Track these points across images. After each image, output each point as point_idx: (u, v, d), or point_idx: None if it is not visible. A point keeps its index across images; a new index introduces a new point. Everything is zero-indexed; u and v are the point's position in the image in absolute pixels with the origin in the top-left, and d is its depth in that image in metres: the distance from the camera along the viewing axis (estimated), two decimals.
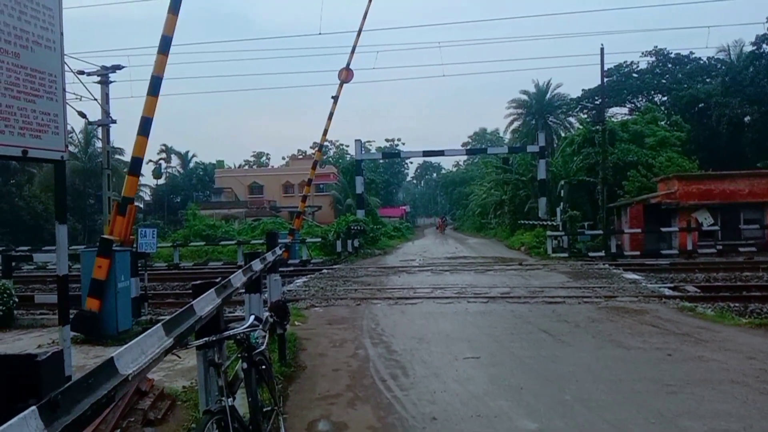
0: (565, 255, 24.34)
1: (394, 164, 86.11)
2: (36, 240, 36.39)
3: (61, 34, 3.94)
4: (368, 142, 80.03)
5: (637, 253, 23.78)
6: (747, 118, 38.36)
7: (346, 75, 27.27)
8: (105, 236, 9.71)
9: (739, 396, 5.73)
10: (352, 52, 25.63)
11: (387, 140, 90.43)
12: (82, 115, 20.40)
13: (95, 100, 19.99)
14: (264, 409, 4.25)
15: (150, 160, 70.44)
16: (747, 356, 7.26)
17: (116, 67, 20.56)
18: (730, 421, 5.06)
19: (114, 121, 21.16)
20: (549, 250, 25.59)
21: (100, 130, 22.93)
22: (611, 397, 5.83)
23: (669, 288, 14.12)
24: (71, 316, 11.09)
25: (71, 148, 47.28)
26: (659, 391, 5.95)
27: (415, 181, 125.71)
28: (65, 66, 4.29)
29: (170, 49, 10.86)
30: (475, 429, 5.08)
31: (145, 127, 10.46)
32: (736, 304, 11.94)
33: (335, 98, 26.53)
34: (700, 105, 41.91)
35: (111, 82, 20.78)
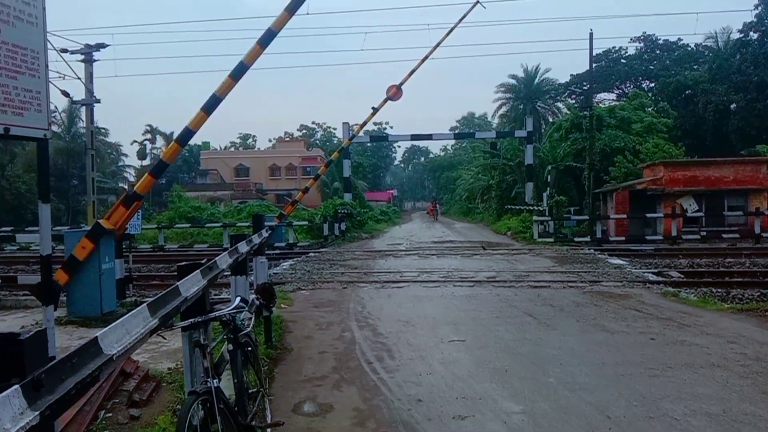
0: (551, 240, 24.48)
1: (382, 148, 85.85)
2: (19, 221, 36.00)
3: (44, 9, 3.86)
4: (356, 125, 79.70)
5: (622, 238, 23.96)
6: (733, 106, 38.61)
7: (394, 92, 26.49)
8: (100, 221, 9.57)
9: (719, 379, 5.82)
10: (410, 74, 24.55)
11: (375, 123, 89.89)
12: (66, 94, 20.16)
13: (78, 78, 19.71)
14: (250, 391, 4.26)
15: (135, 141, 69.83)
16: (728, 340, 7.37)
17: (100, 46, 20.25)
18: (710, 403, 5.14)
19: (98, 101, 20.89)
20: (535, 235, 25.72)
21: (83, 109, 22.64)
22: (594, 380, 5.90)
23: (653, 273, 14.26)
24: (36, 282, 10.90)
25: (54, 128, 46.59)
26: (642, 375, 6.02)
27: (402, 165, 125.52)
28: (48, 43, 4.21)
29: (242, 77, 10.15)
30: (460, 411, 5.12)
31: (184, 138, 10.29)
32: (719, 290, 12.09)
33: (375, 110, 26.02)
34: (687, 92, 42.10)
35: (95, 60, 20.48)
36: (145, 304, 2.69)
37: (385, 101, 25.06)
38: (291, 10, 9.95)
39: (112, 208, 10.04)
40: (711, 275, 14.26)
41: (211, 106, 10.00)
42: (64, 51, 19.45)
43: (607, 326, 8.37)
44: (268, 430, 4.46)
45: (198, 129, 10.14)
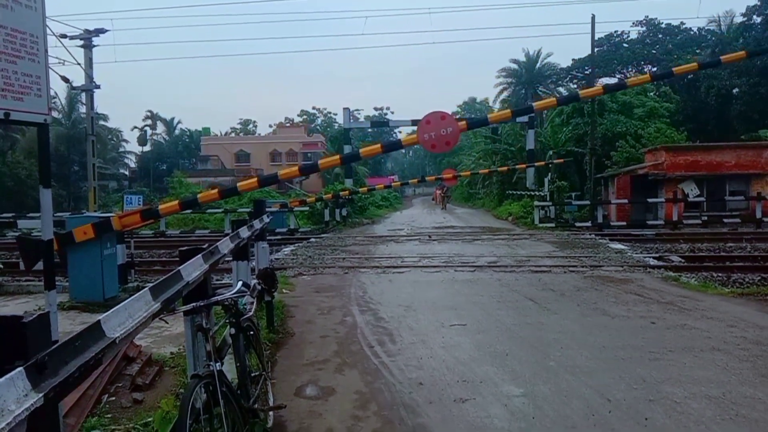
0: (552, 225, 24.48)
1: (383, 133, 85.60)
2: (20, 206, 35.98)
3: None
4: (356, 110, 79.63)
5: (624, 223, 23.96)
6: (735, 90, 38.38)
7: (449, 178, 28.76)
8: (112, 220, 9.53)
9: (719, 363, 5.85)
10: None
11: (375, 108, 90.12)
12: (65, 79, 20.11)
13: (78, 64, 19.68)
14: (252, 374, 4.29)
15: (135, 127, 69.75)
16: (728, 324, 7.39)
17: (99, 31, 20.20)
18: (710, 387, 5.17)
19: (98, 86, 20.89)
20: (536, 220, 25.72)
21: (83, 95, 22.58)
22: (595, 363, 5.93)
23: (654, 258, 14.27)
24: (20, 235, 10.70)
25: (54, 114, 46.56)
26: (642, 358, 6.05)
27: (403, 151, 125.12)
28: (47, 28, 4.19)
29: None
30: (461, 394, 5.15)
31: (225, 193, 10.30)
32: (720, 274, 12.10)
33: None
34: (689, 76, 41.83)
35: (94, 46, 20.45)
36: (147, 288, 2.70)
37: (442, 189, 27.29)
38: (385, 147, 9.85)
39: (129, 211, 10.02)
40: (712, 260, 14.27)
41: (267, 179, 9.93)
42: (64, 36, 19.42)
43: (608, 310, 8.40)
44: (271, 412, 4.50)
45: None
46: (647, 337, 6.88)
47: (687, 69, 10.55)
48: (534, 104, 10.07)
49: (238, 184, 9.77)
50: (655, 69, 48.14)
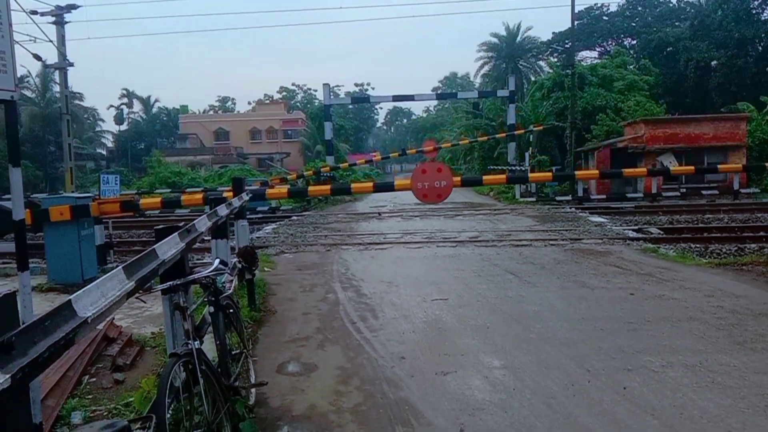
0: (533, 200, 24.65)
1: (364, 110, 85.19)
2: None
3: None
4: (337, 86, 79.02)
5: (603, 196, 24.19)
6: (714, 62, 38.63)
7: (430, 150, 28.85)
8: (91, 206, 9.37)
9: (696, 332, 5.94)
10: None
11: (356, 85, 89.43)
12: (38, 57, 19.67)
13: (50, 41, 19.23)
14: (233, 352, 4.27)
15: (111, 105, 68.54)
16: (706, 294, 7.50)
17: (71, 7, 19.71)
18: (687, 355, 5.25)
19: (71, 64, 20.43)
20: (517, 195, 25.87)
21: (57, 73, 22.12)
22: (574, 334, 5.99)
23: (633, 230, 14.43)
24: None
25: (28, 93, 45.61)
26: (621, 329, 6.12)
27: (385, 127, 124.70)
28: (14, 2, 4.06)
29: None
30: (443, 367, 5.18)
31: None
32: (697, 245, 12.28)
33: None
34: (668, 49, 42.01)
35: (66, 22, 19.97)
36: (120, 267, 2.66)
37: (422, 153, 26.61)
38: (377, 187, 10.00)
39: (109, 199, 9.89)
40: (690, 231, 14.46)
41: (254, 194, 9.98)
42: (34, 13, 18.91)
43: (588, 282, 8.48)
44: (253, 390, 4.49)
45: None
46: (626, 308, 6.96)
47: (683, 170, 10.97)
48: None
49: (224, 194, 9.75)
50: (635, 42, 48.25)
